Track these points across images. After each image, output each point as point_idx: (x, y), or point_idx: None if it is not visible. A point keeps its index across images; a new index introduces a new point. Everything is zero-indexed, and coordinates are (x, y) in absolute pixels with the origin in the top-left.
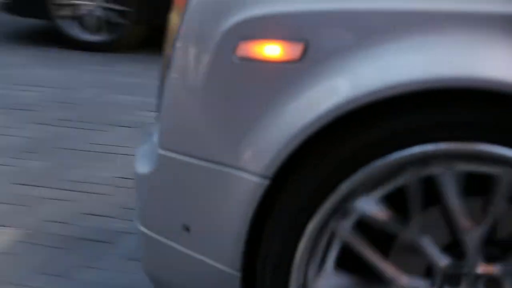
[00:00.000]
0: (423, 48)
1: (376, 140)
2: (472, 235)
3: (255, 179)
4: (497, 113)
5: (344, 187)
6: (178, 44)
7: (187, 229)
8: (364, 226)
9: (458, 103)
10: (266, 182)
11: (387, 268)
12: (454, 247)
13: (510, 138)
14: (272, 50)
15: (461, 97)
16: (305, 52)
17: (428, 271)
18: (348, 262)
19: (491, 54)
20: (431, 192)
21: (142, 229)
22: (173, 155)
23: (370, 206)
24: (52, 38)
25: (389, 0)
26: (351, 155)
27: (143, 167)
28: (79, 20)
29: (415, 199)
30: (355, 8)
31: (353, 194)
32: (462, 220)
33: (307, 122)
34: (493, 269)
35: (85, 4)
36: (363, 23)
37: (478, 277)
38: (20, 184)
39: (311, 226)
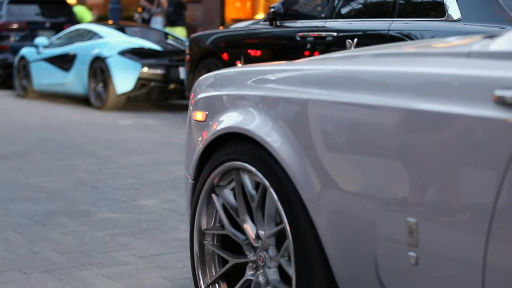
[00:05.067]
0: (232, 114)
1: (228, 152)
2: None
3: (191, 180)
4: (251, 147)
5: (218, 171)
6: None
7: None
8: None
9: (243, 142)
10: (193, 182)
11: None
12: None
13: (254, 160)
14: (198, 116)
15: (245, 138)
16: (207, 116)
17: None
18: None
19: (250, 117)
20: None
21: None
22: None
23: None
24: None
25: (226, 90)
26: (221, 157)
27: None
28: None
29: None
30: (220, 94)
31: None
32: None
33: (205, 142)
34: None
35: None
36: (221, 102)
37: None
38: None
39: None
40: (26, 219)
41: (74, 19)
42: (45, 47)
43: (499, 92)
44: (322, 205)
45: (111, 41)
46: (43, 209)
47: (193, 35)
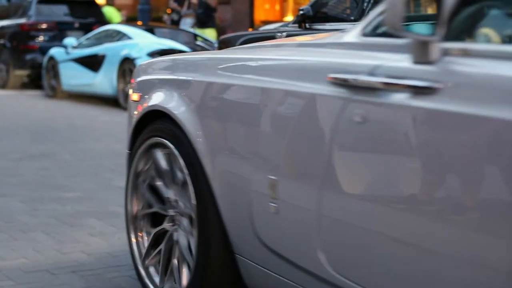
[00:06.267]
0: (158, 95)
1: (153, 130)
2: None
3: (127, 151)
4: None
5: (146, 144)
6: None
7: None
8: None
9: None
10: (128, 152)
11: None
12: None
13: (170, 137)
14: (134, 96)
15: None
16: (140, 97)
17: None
18: None
19: (170, 98)
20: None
21: None
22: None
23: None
24: None
25: (155, 75)
26: (148, 133)
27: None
28: None
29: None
30: (151, 78)
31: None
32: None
33: (136, 118)
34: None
35: None
36: (151, 85)
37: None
38: None
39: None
40: (54, 219)
41: (103, 20)
42: (74, 47)
43: (332, 74)
44: (215, 167)
45: (140, 42)
46: (71, 210)
47: (222, 37)
